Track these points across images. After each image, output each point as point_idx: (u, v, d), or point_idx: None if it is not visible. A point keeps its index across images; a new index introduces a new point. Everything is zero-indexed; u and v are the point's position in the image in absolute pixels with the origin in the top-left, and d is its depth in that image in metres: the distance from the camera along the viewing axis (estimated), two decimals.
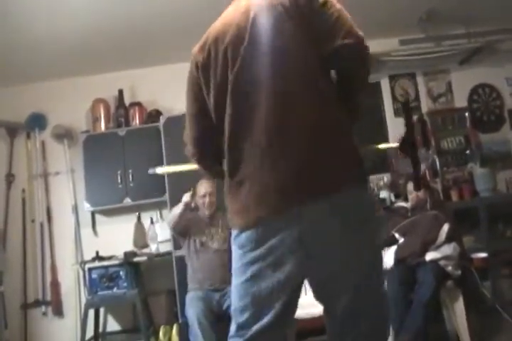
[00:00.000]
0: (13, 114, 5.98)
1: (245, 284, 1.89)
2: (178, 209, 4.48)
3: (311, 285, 1.95)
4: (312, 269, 1.85)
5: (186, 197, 4.52)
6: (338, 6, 1.91)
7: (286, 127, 1.81)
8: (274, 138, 1.81)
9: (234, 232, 1.93)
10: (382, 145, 1.96)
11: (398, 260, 4.33)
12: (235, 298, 1.94)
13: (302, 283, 1.91)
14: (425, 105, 6.24)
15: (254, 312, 1.89)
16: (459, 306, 4.16)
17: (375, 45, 5.71)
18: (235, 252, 1.94)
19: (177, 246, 4.97)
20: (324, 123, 1.81)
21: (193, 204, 4.66)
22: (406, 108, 2.04)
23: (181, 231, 4.56)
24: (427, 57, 5.90)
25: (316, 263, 1.82)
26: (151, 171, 4.92)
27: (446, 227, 4.39)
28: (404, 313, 3.99)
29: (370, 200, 1.88)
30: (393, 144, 2.09)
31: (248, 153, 1.87)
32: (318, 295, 1.95)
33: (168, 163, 5.30)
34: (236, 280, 1.94)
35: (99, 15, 4.72)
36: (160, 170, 5.04)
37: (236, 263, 1.94)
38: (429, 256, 4.25)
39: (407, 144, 2.11)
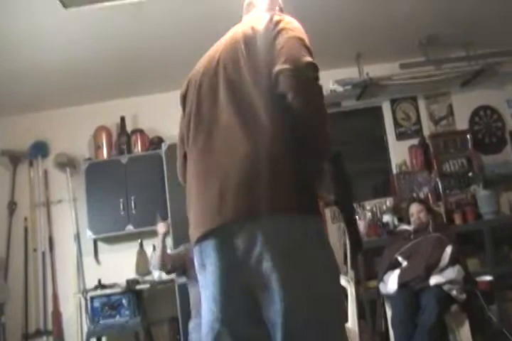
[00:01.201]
0: (16, 143, 6.03)
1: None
2: (157, 250, 4.28)
3: None
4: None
5: (162, 228, 4.30)
6: (291, 33, 1.85)
7: (213, 159, 1.83)
8: (206, 170, 1.85)
9: None
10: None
11: (402, 284, 4.29)
12: None
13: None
14: (427, 128, 6.23)
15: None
16: (465, 330, 4.12)
17: (376, 70, 5.80)
18: None
19: (180, 276, 4.92)
20: (256, 156, 1.74)
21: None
22: (337, 161, 1.92)
23: (176, 271, 4.40)
24: (427, 81, 5.90)
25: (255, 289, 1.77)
26: None
27: (449, 249, 4.36)
28: (410, 338, 3.95)
29: (301, 229, 1.72)
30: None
31: (191, 181, 1.94)
32: None
33: (171, 190, 5.30)
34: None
35: (100, 44, 4.77)
36: None
37: None
38: (433, 280, 4.21)
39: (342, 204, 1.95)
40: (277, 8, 2.22)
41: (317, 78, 1.79)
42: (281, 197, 1.73)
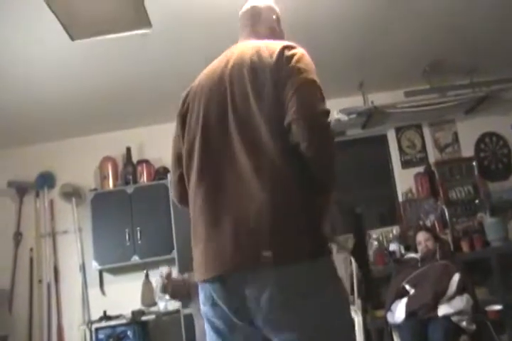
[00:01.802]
0: (23, 174, 6.05)
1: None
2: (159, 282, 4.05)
3: None
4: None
5: (162, 278, 4.01)
6: (304, 74, 1.79)
7: (225, 200, 1.78)
8: (217, 208, 1.79)
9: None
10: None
11: (410, 313, 4.24)
12: None
13: None
14: (432, 156, 6.24)
15: None
16: None
17: (381, 98, 5.82)
18: None
19: (185, 304, 4.89)
20: (271, 203, 1.71)
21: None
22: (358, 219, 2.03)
23: (182, 299, 4.28)
24: (432, 108, 5.91)
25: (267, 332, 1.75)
26: None
27: (456, 277, 4.33)
28: None
29: (315, 274, 1.72)
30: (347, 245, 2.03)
31: (198, 217, 1.87)
32: None
33: (176, 220, 5.28)
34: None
35: (107, 75, 4.82)
36: None
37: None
38: (442, 310, 4.16)
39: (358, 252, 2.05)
40: (274, 16, 2.18)
41: (329, 124, 1.77)
42: (295, 245, 1.71)
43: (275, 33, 2.16)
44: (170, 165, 5.66)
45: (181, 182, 2.04)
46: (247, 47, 1.96)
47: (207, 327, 1.90)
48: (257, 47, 1.91)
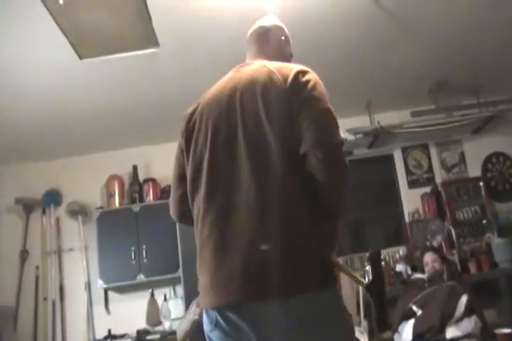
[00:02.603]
0: (29, 191, 6.07)
1: None
2: (185, 324, 3.84)
3: None
4: None
5: (194, 314, 3.78)
6: (319, 104, 1.77)
7: (235, 226, 1.75)
8: (226, 234, 1.76)
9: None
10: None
11: (417, 335, 4.19)
12: None
13: None
14: (439, 176, 6.23)
15: None
16: None
17: (387, 118, 5.82)
18: None
19: None
20: (277, 230, 1.69)
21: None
22: (375, 258, 2.06)
23: None
24: (438, 128, 5.91)
25: None
26: None
27: (464, 298, 4.28)
28: None
29: (324, 305, 1.70)
30: (362, 279, 2.04)
31: (204, 246, 1.83)
32: None
33: (182, 239, 5.27)
34: None
35: (114, 94, 4.85)
36: None
37: None
38: (450, 333, 4.10)
39: (374, 289, 2.07)
40: (282, 37, 2.16)
41: (344, 155, 1.74)
42: (305, 277, 1.69)
43: (282, 54, 2.13)
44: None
45: (183, 201, 1.99)
46: (258, 70, 1.91)
47: None
48: (269, 71, 1.86)
